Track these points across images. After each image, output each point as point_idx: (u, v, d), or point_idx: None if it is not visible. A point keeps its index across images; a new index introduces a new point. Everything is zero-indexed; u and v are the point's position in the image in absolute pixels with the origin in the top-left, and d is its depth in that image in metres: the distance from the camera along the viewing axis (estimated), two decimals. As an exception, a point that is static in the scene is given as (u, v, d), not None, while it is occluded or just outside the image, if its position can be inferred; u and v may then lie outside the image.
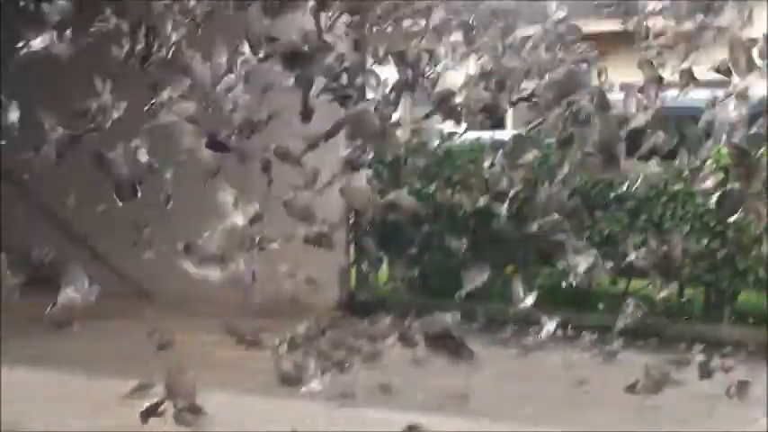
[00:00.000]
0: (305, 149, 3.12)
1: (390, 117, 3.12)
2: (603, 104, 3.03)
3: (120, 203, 3.09)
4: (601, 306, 10.09)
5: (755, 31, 3.14)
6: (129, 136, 3.11)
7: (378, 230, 11.09)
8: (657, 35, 3.67)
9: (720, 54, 3.10)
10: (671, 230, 10.32)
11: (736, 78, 3.01)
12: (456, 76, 3.37)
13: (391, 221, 11.15)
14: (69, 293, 2.87)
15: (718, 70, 3.11)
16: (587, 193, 10.74)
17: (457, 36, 3.43)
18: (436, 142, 3.68)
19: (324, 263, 9.10)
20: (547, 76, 3.15)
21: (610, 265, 3.25)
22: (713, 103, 3.10)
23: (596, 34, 3.87)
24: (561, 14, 3.49)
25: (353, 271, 12.07)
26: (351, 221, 11.06)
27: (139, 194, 3.09)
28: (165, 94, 2.99)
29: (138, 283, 11.49)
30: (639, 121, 3.11)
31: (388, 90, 3.19)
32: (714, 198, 3.01)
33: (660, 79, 3.21)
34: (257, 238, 3.06)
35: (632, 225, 10.63)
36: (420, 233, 11.40)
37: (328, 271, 10.41)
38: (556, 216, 3.16)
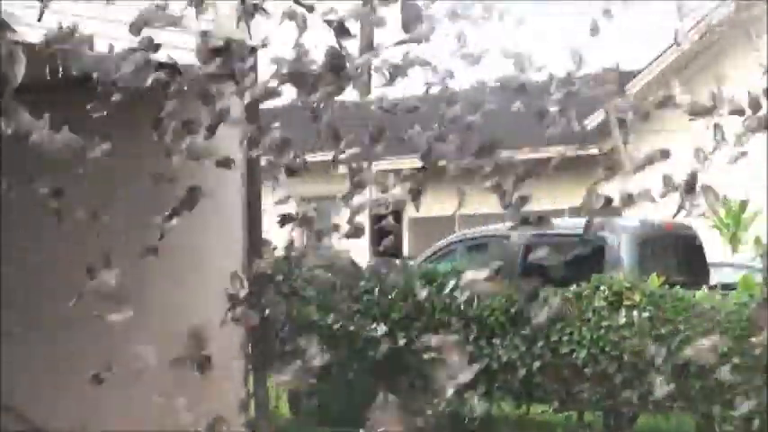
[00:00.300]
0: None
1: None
2: None
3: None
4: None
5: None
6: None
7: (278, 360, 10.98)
8: None
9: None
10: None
11: None
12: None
13: (290, 351, 11.05)
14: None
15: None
16: (484, 321, 10.79)
17: None
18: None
19: (222, 394, 9.01)
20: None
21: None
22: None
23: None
24: None
25: (253, 402, 11.90)
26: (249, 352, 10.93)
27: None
28: None
29: (39, 424, 11.22)
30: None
31: None
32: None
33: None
34: None
35: (530, 351, 10.67)
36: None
37: (228, 402, 10.26)
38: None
